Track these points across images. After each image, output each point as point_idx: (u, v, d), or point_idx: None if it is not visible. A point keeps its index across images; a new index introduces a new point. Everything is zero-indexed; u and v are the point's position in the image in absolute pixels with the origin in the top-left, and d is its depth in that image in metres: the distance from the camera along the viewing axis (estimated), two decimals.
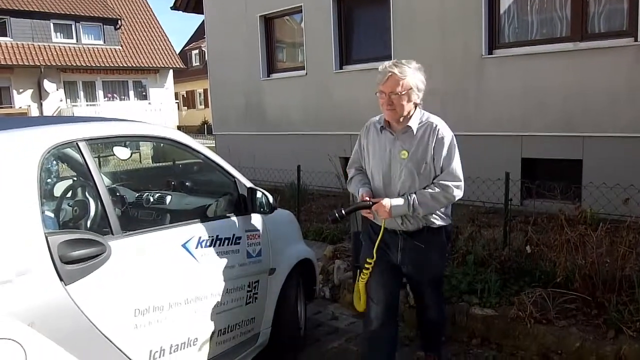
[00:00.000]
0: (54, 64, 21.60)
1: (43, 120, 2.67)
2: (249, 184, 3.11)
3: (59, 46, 22.24)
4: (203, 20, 11.94)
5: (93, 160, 2.25)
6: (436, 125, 2.60)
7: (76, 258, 1.95)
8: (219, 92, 11.61)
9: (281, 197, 6.53)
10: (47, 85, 21.59)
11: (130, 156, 3.46)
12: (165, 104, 24.61)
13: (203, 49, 35.76)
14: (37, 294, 1.84)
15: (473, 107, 6.85)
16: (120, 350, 2.08)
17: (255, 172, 7.95)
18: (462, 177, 2.60)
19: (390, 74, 2.53)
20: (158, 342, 2.32)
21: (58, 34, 22.54)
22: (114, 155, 2.94)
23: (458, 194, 2.59)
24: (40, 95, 21.73)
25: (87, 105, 22.75)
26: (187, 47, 39.79)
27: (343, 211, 2.62)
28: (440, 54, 7.08)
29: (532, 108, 6.29)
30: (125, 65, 23.66)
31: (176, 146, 2.80)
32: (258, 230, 3.11)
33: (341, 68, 8.84)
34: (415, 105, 2.61)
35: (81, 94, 23.12)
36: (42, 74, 21.42)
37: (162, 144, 3.47)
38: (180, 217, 2.90)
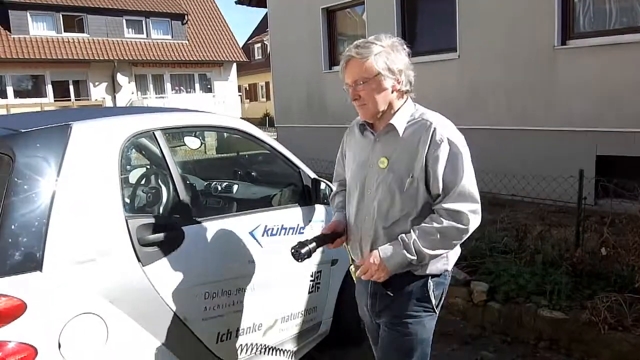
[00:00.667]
0: (126, 58, 22.60)
1: (122, 111, 2.81)
2: (313, 175, 3.14)
3: (131, 41, 23.24)
4: (266, 14, 12.12)
5: (168, 148, 2.35)
6: (431, 124, 1.84)
7: (153, 241, 2.05)
8: (281, 85, 11.77)
9: None
10: (120, 78, 22.66)
11: (201, 145, 3.57)
12: (228, 96, 25.19)
13: (265, 42, 36.34)
14: (117, 273, 1.95)
15: (543, 101, 6.56)
16: (190, 330, 2.17)
17: (316, 164, 7.99)
18: (478, 198, 1.84)
19: (348, 58, 1.86)
20: (225, 325, 2.39)
21: (130, 29, 23.54)
22: (184, 144, 3.04)
23: (475, 223, 1.83)
24: (113, 88, 22.83)
25: (156, 97, 23.66)
26: (250, 41, 40.54)
27: (303, 250, 1.90)
28: (508, 45, 6.83)
29: (608, 102, 5.95)
30: (191, 59, 24.40)
31: (244, 137, 2.86)
32: (322, 221, 3.13)
33: None
34: (402, 94, 1.89)
35: (151, 86, 24.09)
36: (116, 68, 22.47)
37: (227, 135, 3.57)
38: (246, 205, 2.97)
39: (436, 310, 2.00)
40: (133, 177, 2.91)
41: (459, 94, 7.56)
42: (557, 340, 3.35)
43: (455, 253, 1.99)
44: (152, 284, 1.96)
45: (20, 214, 1.76)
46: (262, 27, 37.41)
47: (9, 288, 1.69)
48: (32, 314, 1.71)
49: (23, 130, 1.94)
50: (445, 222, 1.79)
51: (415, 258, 1.80)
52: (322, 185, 3.07)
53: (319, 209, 3.13)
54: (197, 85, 25.41)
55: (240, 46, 27.26)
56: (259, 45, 38.60)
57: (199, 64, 24.83)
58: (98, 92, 22.58)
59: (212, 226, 2.39)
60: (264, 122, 26.87)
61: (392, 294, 1.91)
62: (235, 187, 3.36)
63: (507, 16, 6.85)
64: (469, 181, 1.82)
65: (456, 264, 4.02)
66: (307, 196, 3.05)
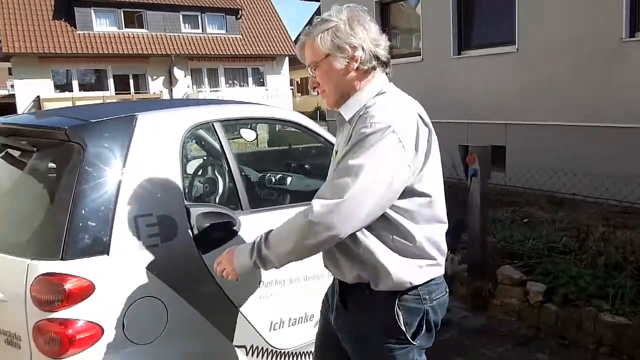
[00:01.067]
0: (183, 52, 23.23)
1: (183, 103, 2.89)
2: None
3: (187, 36, 23.86)
4: (319, 7, 12.14)
5: (226, 139, 2.40)
6: (367, 109, 1.54)
7: (210, 230, 2.09)
8: None
9: None
10: (177, 72, 23.32)
11: (256, 137, 3.62)
12: (281, 90, 25.46)
13: None
14: (178, 260, 2.01)
15: (609, 96, 6.26)
16: (245, 317, 2.21)
17: None
18: (348, 193, 1.42)
19: (301, 40, 1.66)
20: (278, 314, 2.42)
21: (186, 24, 24.16)
22: (240, 136, 3.09)
23: (322, 217, 1.43)
24: (170, 81, 23.53)
25: (211, 91, 24.21)
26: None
27: None
28: (570, 38, 6.55)
29: None
30: (245, 53, 24.79)
31: (299, 129, 2.88)
32: None
33: (459, 53, 8.53)
34: (364, 73, 1.59)
35: (205, 80, 24.67)
36: (173, 63, 23.14)
37: (279, 128, 3.60)
38: (300, 197, 2.99)
39: (413, 342, 1.61)
40: (191, 167, 2.99)
41: (517, 89, 7.33)
42: (619, 347, 3.21)
43: (429, 267, 1.60)
44: (209, 271, 2.02)
45: (89, 200, 1.85)
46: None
47: (79, 270, 1.77)
48: (99, 295, 1.80)
49: (93, 121, 2.03)
50: (297, 215, 1.52)
51: (259, 256, 1.58)
52: None
53: None
54: (250, 79, 25.80)
55: (293, 40, 27.41)
56: None
57: (252, 58, 25.20)
58: (156, 86, 23.34)
59: (266, 217, 2.42)
60: (315, 116, 26.92)
61: (345, 307, 1.69)
62: (289, 179, 3.39)
63: (570, 7, 6.57)
64: (350, 169, 1.45)
65: (511, 263, 3.99)
66: None
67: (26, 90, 20.69)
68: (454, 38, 8.53)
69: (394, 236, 1.55)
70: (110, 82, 22.68)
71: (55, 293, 1.75)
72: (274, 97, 24.04)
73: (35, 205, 2.05)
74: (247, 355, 2.26)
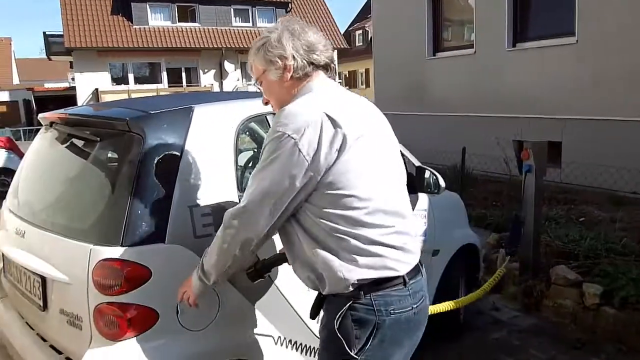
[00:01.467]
0: (233, 46, 23.57)
1: (236, 95, 2.94)
2: (417, 163, 3.09)
3: (238, 30, 24.18)
4: (368, 0, 12.04)
5: None
6: (278, 113, 1.59)
7: None
8: (382, 71, 11.67)
9: None
10: (227, 65, 23.72)
11: None
12: None
13: (367, 28, 36.14)
14: None
15: None
16: (296, 312, 2.23)
17: (415, 153, 7.88)
18: (260, 189, 1.53)
19: (248, 60, 1.78)
20: None
21: (237, 18, 24.49)
22: None
23: (227, 222, 1.59)
24: (221, 74, 23.96)
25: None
26: (351, 28, 40.54)
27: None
28: (633, 29, 6.23)
29: None
30: None
31: None
32: (425, 210, 3.08)
33: (514, 46, 8.29)
34: (298, 80, 1.65)
35: None
36: (223, 56, 23.54)
37: None
38: None
39: (356, 356, 1.53)
40: (242, 159, 3.04)
41: (575, 82, 7.04)
42: None
43: (370, 266, 1.53)
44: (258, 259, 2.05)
45: (148, 190, 1.90)
46: (364, 13, 37.26)
47: (138, 256, 1.84)
48: (155, 281, 1.86)
49: (152, 112, 2.10)
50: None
51: (200, 271, 1.70)
52: (427, 174, 3.01)
53: (422, 198, 3.08)
54: None
55: (342, 33, 27.33)
56: (360, 31, 38.50)
57: None
58: (207, 79, 23.82)
59: None
60: None
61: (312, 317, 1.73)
62: None
63: None
64: (257, 176, 1.54)
65: (566, 263, 3.86)
66: (410, 184, 3.01)
67: (86, 82, 21.61)
68: (509, 30, 8.28)
69: (322, 235, 1.54)
70: (164, 75, 23.31)
71: (115, 278, 1.83)
72: None
73: (98, 193, 2.13)
74: (296, 350, 2.29)
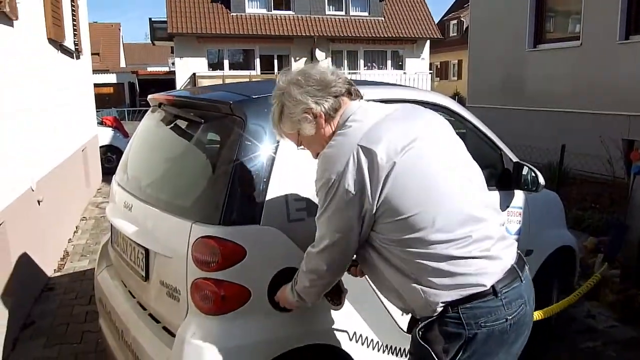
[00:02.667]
0: (326, 34, 23.74)
1: None
2: (515, 159, 2.97)
3: (331, 18, 24.29)
4: None
5: None
6: (319, 158, 1.60)
7: None
8: (477, 62, 11.26)
9: None
10: (318, 54, 23.95)
11: None
12: (419, 74, 24.95)
13: (462, 19, 34.92)
14: None
15: None
16: (386, 309, 2.24)
17: (510, 148, 7.54)
18: (327, 236, 1.58)
19: (276, 134, 1.86)
20: None
21: (330, 6, 24.58)
22: None
23: (315, 262, 1.64)
24: (312, 62, 24.22)
25: (349, 73, 24.48)
26: (445, 18, 39.38)
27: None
28: None
29: None
30: (386, 36, 24.62)
31: (447, 114, 2.79)
32: (520, 208, 2.95)
33: (627, 38, 7.65)
34: (328, 117, 1.64)
35: (345, 62, 25.00)
36: (315, 44, 23.79)
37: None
38: None
39: None
40: None
41: None
42: None
43: (455, 286, 1.47)
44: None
45: (247, 172, 1.97)
46: (460, 2, 36.02)
47: (234, 235, 1.91)
48: (249, 260, 1.92)
49: (254, 97, 2.17)
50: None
51: (294, 292, 1.79)
52: (525, 170, 2.88)
53: (518, 195, 2.95)
54: (389, 62, 25.62)
55: (436, 23, 26.63)
56: (455, 21, 37.30)
57: (392, 41, 24.95)
58: (298, 66, 24.15)
59: None
60: None
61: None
62: None
63: None
64: (321, 216, 1.58)
65: None
66: (507, 180, 2.90)
67: (184, 67, 22.74)
68: (622, 21, 7.66)
69: (399, 262, 1.52)
70: (257, 62, 23.97)
71: (212, 255, 1.90)
72: (412, 81, 23.64)
73: (199, 173, 2.23)
74: (383, 351, 2.29)
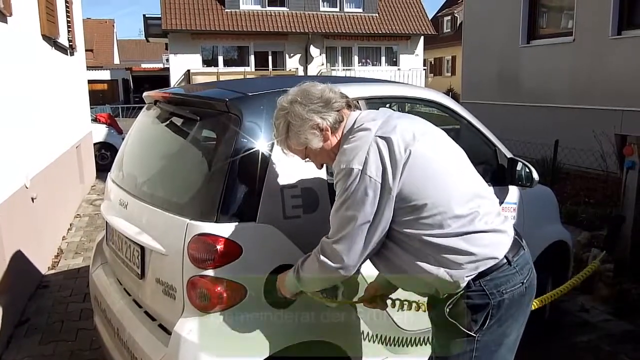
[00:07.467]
0: (320, 31, 23.68)
1: (326, 80, 2.94)
2: (509, 154, 2.98)
3: (325, 14, 24.23)
4: None
5: None
6: (340, 153, 1.68)
7: None
8: (471, 58, 11.27)
9: None
10: (313, 50, 23.89)
11: None
12: (413, 70, 24.96)
13: (456, 15, 34.95)
14: (318, 231, 2.01)
15: None
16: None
17: (504, 144, 7.57)
18: (346, 225, 1.61)
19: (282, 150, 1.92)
20: (408, 297, 2.41)
21: (325, 2, 24.49)
22: None
23: (330, 251, 1.66)
24: (306, 59, 24.19)
25: (343, 69, 24.45)
26: (439, 14, 39.39)
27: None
28: None
29: None
30: (380, 32, 24.60)
31: (440, 109, 2.80)
32: (514, 203, 2.96)
33: (619, 33, 7.68)
34: (334, 129, 1.75)
35: (339, 59, 24.96)
36: (310, 40, 23.72)
37: (409, 108, 3.54)
38: None
39: (474, 335, 1.63)
40: None
41: None
42: None
43: (472, 263, 1.59)
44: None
45: (243, 170, 1.97)
46: None
47: (230, 233, 1.91)
48: (245, 258, 1.92)
49: (250, 94, 2.16)
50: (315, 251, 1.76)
51: (297, 278, 1.81)
52: (519, 166, 2.89)
53: (513, 191, 2.96)
54: (383, 58, 25.60)
55: (429, 19, 26.63)
56: (449, 17, 37.32)
57: (386, 37, 24.93)
58: (292, 63, 24.14)
59: None
60: None
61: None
62: None
63: None
64: (338, 212, 1.65)
65: None
66: (501, 176, 2.91)
67: (179, 64, 22.65)
68: (614, 16, 7.69)
69: (417, 246, 1.61)
70: (252, 59, 23.89)
71: (208, 252, 1.90)
72: (406, 77, 23.64)
73: (195, 170, 2.22)
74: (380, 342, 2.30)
